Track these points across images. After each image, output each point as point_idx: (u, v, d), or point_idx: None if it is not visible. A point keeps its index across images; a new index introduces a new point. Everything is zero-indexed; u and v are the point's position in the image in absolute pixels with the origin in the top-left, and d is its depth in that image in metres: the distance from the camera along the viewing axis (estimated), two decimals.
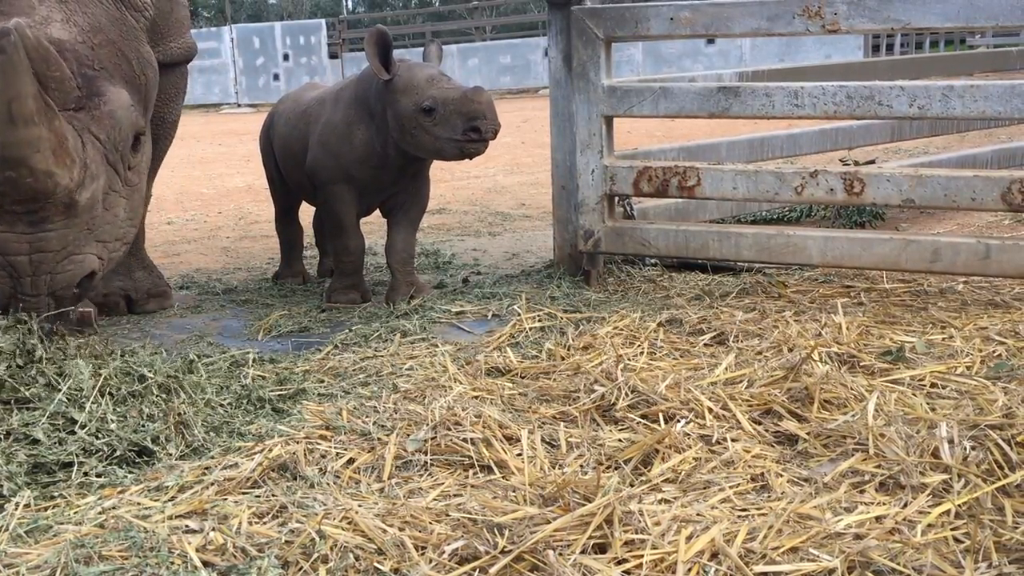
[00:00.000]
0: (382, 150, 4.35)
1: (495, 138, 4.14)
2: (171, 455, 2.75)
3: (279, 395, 3.25)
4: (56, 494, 2.55)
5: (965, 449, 2.46)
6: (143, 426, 2.83)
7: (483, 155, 4.27)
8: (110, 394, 2.94)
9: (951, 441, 2.50)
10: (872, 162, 5.81)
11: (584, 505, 2.26)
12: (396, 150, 4.32)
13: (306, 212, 5.26)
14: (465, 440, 2.70)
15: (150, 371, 3.10)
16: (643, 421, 2.87)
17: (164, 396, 3.01)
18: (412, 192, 4.62)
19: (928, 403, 2.87)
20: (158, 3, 3.79)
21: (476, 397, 3.09)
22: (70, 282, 3.15)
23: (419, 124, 4.13)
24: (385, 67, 4.21)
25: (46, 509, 2.47)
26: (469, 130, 4.04)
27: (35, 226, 3.00)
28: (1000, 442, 2.46)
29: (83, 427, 2.77)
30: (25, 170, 2.87)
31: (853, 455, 2.56)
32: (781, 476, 2.49)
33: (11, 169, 2.86)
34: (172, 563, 2.10)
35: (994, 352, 3.32)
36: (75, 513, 2.41)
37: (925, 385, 3.05)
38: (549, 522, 2.21)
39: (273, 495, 2.44)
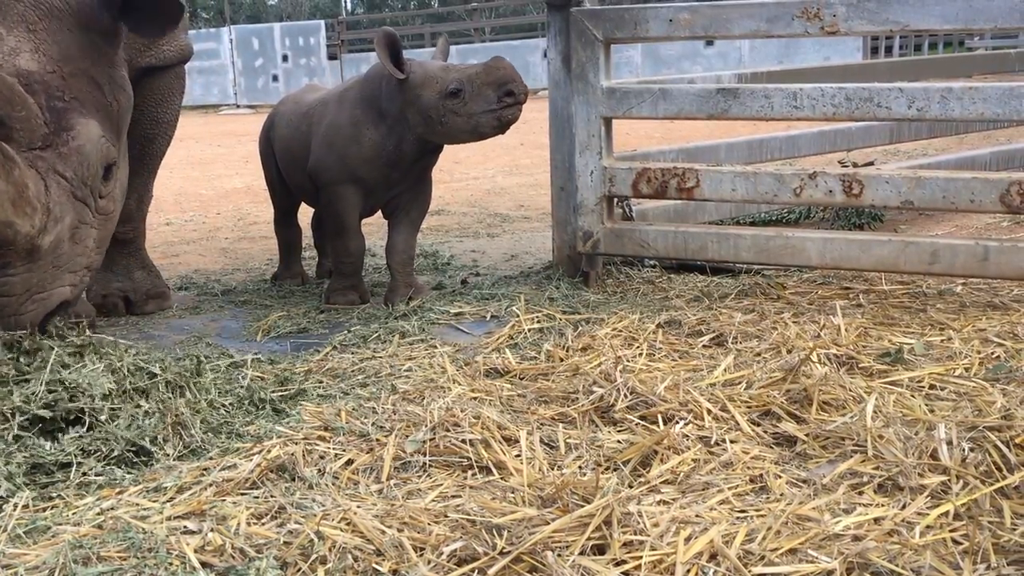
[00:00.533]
0: (395, 149, 4.37)
1: (527, 100, 4.22)
2: (169, 456, 2.75)
3: (281, 396, 3.25)
4: (55, 494, 2.55)
5: (963, 451, 2.46)
6: (140, 427, 2.83)
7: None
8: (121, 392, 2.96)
9: (950, 443, 2.50)
10: (871, 164, 5.81)
11: (583, 506, 2.26)
12: (413, 147, 4.35)
13: (304, 213, 5.25)
14: (464, 441, 2.70)
15: (160, 368, 3.11)
16: (642, 422, 2.87)
17: (168, 395, 3.01)
18: (415, 193, 4.63)
19: (927, 405, 2.87)
20: None
21: (475, 398, 3.09)
22: (35, 320, 3.13)
23: (448, 109, 4.17)
24: (398, 67, 4.25)
25: (44, 510, 2.47)
26: (503, 95, 4.10)
27: None
28: (998, 444, 2.46)
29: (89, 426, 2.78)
30: None
31: (852, 456, 2.56)
32: (780, 477, 2.50)
33: None
34: (170, 564, 2.10)
35: (993, 354, 3.32)
36: (73, 514, 2.41)
37: (924, 387, 3.06)
38: (548, 523, 2.21)
39: (272, 496, 2.44)
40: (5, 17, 3.13)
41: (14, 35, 3.13)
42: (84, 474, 2.63)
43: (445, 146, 4.55)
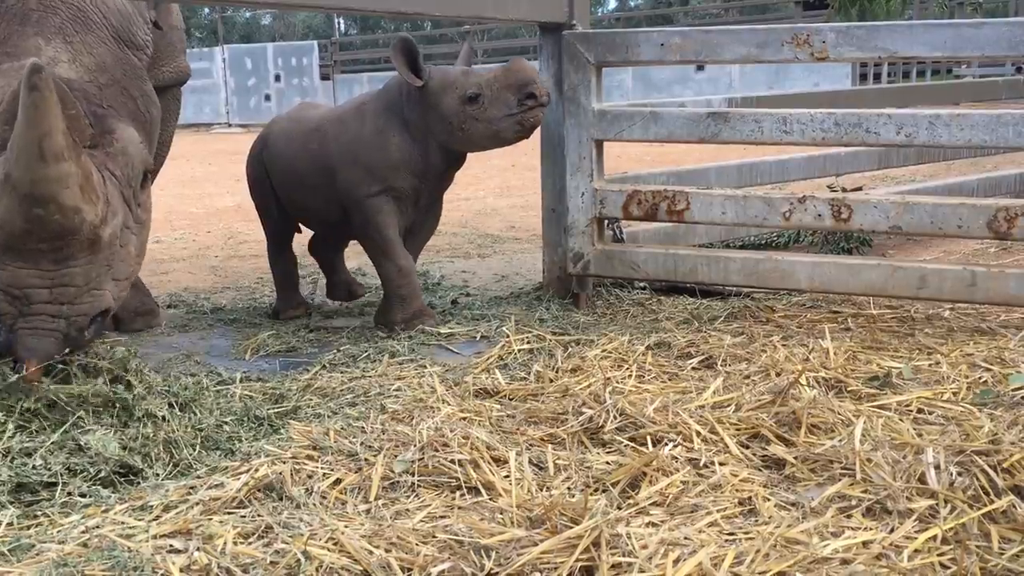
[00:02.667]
0: (422, 158, 4.28)
1: (550, 101, 4.14)
2: (158, 475, 2.73)
3: (277, 413, 3.24)
4: (39, 513, 2.52)
5: (951, 475, 2.47)
6: (131, 447, 2.81)
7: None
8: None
9: (937, 467, 2.50)
10: (859, 189, 5.85)
11: (571, 528, 2.25)
12: (440, 156, 4.28)
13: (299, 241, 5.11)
14: (452, 461, 2.69)
15: (174, 388, 3.13)
16: (631, 444, 2.87)
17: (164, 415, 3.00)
18: (428, 214, 4.57)
19: (915, 429, 2.88)
20: (156, 35, 3.80)
21: (464, 418, 3.08)
22: (88, 312, 3.08)
23: (468, 116, 4.11)
24: (415, 74, 4.18)
25: (29, 528, 2.44)
26: (524, 98, 4.03)
27: (59, 263, 2.94)
28: (986, 468, 2.47)
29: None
30: (54, 207, 2.82)
31: (840, 480, 2.56)
32: (768, 500, 2.49)
33: (39, 207, 2.81)
34: None
35: (980, 379, 3.34)
36: (58, 532, 2.39)
37: (912, 411, 3.06)
38: (536, 544, 2.20)
39: (259, 515, 2.43)
40: (43, 28, 3.16)
41: (52, 45, 3.17)
42: (69, 493, 2.61)
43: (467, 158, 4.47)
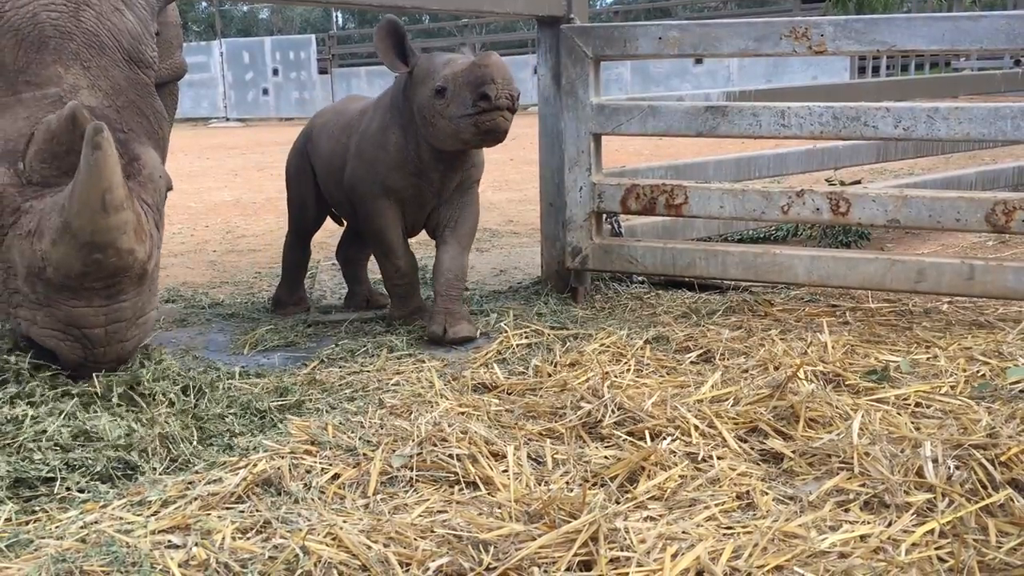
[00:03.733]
0: (416, 155, 4.07)
1: (513, 106, 3.72)
2: (155, 469, 2.73)
3: (276, 407, 3.24)
4: (37, 508, 2.52)
5: (949, 469, 2.47)
6: (125, 439, 2.81)
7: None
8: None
9: (935, 461, 2.51)
10: (858, 182, 5.86)
11: (569, 522, 2.26)
12: (429, 153, 4.05)
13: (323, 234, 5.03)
14: (451, 456, 2.70)
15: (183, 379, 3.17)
16: (629, 438, 2.87)
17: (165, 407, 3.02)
18: (460, 207, 4.27)
19: (912, 422, 2.88)
20: (158, 42, 3.80)
21: (462, 413, 3.09)
22: (138, 345, 3.23)
23: (435, 110, 3.84)
24: (403, 60, 3.95)
25: (27, 523, 2.44)
26: (479, 99, 3.67)
27: (111, 299, 3.05)
28: (984, 462, 2.47)
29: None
30: (112, 251, 2.93)
31: (838, 474, 2.56)
32: (766, 494, 2.50)
33: (99, 252, 2.92)
34: None
35: (978, 372, 3.34)
36: (56, 527, 2.39)
37: (910, 404, 3.07)
38: (534, 539, 2.20)
39: (257, 510, 2.43)
40: (61, 55, 3.18)
41: (72, 72, 3.20)
42: (68, 489, 2.61)
43: (476, 158, 4.25)
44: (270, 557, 2.18)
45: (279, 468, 2.63)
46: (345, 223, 4.92)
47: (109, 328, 3.07)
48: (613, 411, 2.99)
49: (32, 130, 3.04)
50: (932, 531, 2.25)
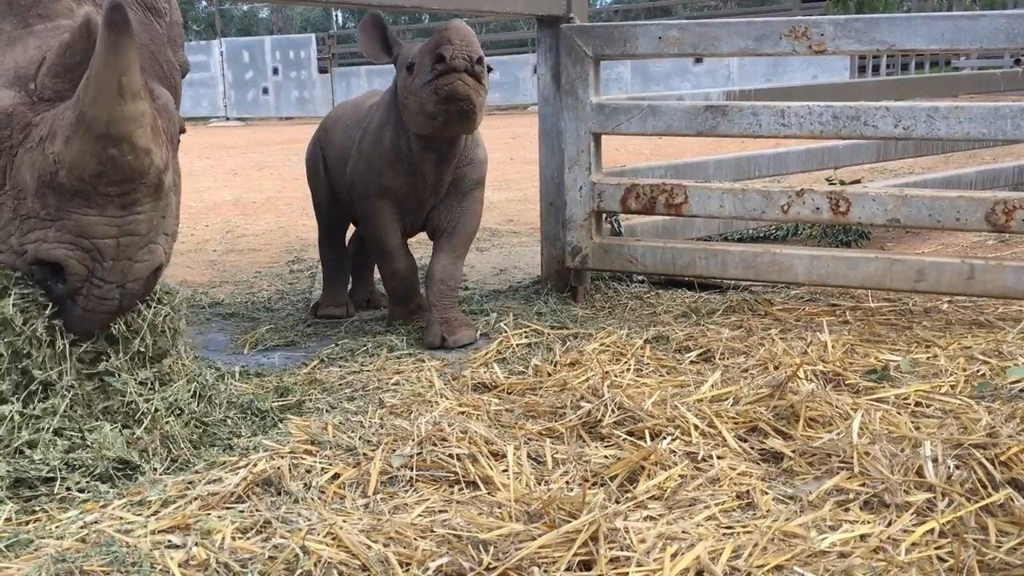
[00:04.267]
0: (407, 150, 3.99)
1: (471, 69, 3.56)
2: (156, 469, 2.73)
3: (277, 407, 3.25)
4: (37, 508, 2.52)
5: (949, 468, 2.47)
6: (125, 440, 2.81)
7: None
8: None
9: (935, 460, 2.51)
10: (858, 182, 5.86)
11: (569, 522, 2.26)
12: (418, 145, 3.94)
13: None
14: (451, 456, 2.70)
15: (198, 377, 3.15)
16: (629, 438, 2.87)
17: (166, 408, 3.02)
18: (458, 212, 4.19)
19: (912, 422, 2.88)
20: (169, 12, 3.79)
21: (462, 413, 3.09)
22: (144, 273, 3.11)
23: (406, 88, 3.79)
24: (387, 52, 3.94)
25: (27, 523, 2.44)
26: (435, 62, 3.57)
27: (126, 209, 2.95)
28: (984, 461, 2.47)
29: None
30: (128, 146, 2.82)
31: (838, 473, 2.56)
32: (766, 494, 2.50)
33: (114, 146, 2.81)
34: None
35: (978, 371, 3.34)
36: (56, 527, 2.39)
37: (909, 404, 3.07)
38: (534, 539, 2.20)
39: (257, 510, 2.43)
40: None
41: (83, 7, 3.14)
42: (68, 488, 2.61)
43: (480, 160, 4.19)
44: (270, 557, 2.18)
45: (279, 468, 2.63)
46: None
47: (121, 241, 2.96)
48: (613, 411, 2.99)
49: (44, 56, 2.97)
50: (932, 531, 2.25)
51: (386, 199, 4.11)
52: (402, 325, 4.30)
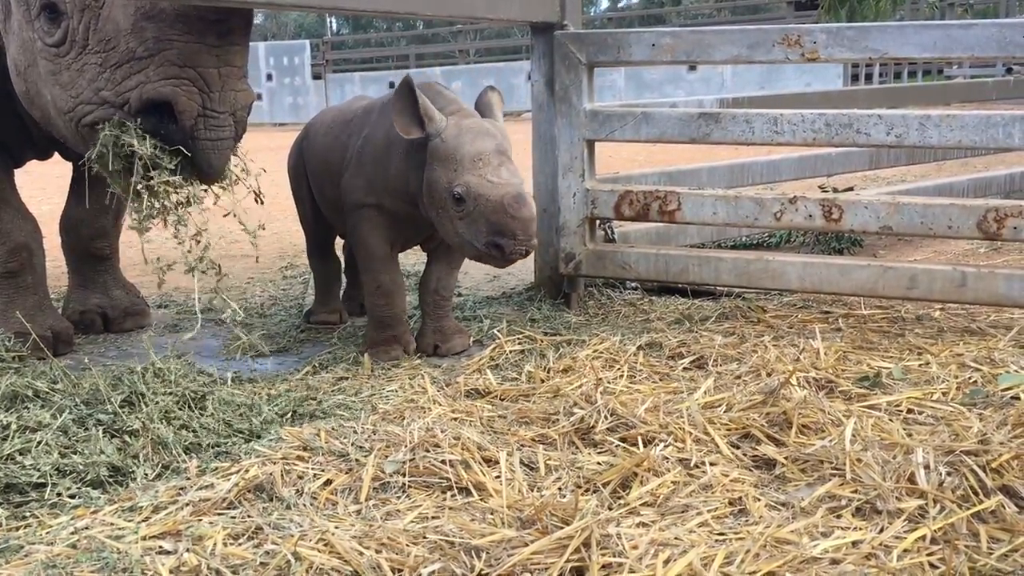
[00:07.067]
0: (416, 192, 3.73)
1: (526, 257, 3.51)
2: (147, 475, 2.72)
3: (271, 412, 3.24)
4: (28, 514, 2.51)
5: (941, 475, 2.48)
6: (114, 447, 2.80)
7: None
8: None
9: (927, 467, 2.51)
10: (851, 189, 5.87)
11: (562, 528, 2.25)
12: (429, 197, 3.69)
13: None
14: (443, 462, 2.69)
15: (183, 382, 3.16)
16: (622, 444, 2.87)
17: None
18: None
19: (904, 429, 2.89)
20: None
21: (455, 419, 3.08)
22: (247, 102, 3.17)
23: (446, 207, 3.53)
24: (419, 124, 3.57)
25: (17, 529, 2.43)
26: (491, 244, 3.44)
27: (223, 38, 2.99)
28: (975, 468, 2.48)
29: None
30: None
31: (830, 480, 2.57)
32: (759, 500, 2.50)
33: None
34: None
35: (970, 379, 3.35)
36: (47, 533, 2.38)
37: (902, 411, 3.07)
38: (527, 545, 2.20)
39: (249, 516, 2.42)
40: None
41: None
42: (59, 494, 2.60)
43: None
44: (261, 563, 2.17)
45: (271, 474, 2.63)
46: None
47: (222, 71, 3.00)
48: (606, 417, 2.99)
49: None
50: (924, 537, 2.26)
51: (381, 213, 3.92)
52: (372, 357, 3.86)
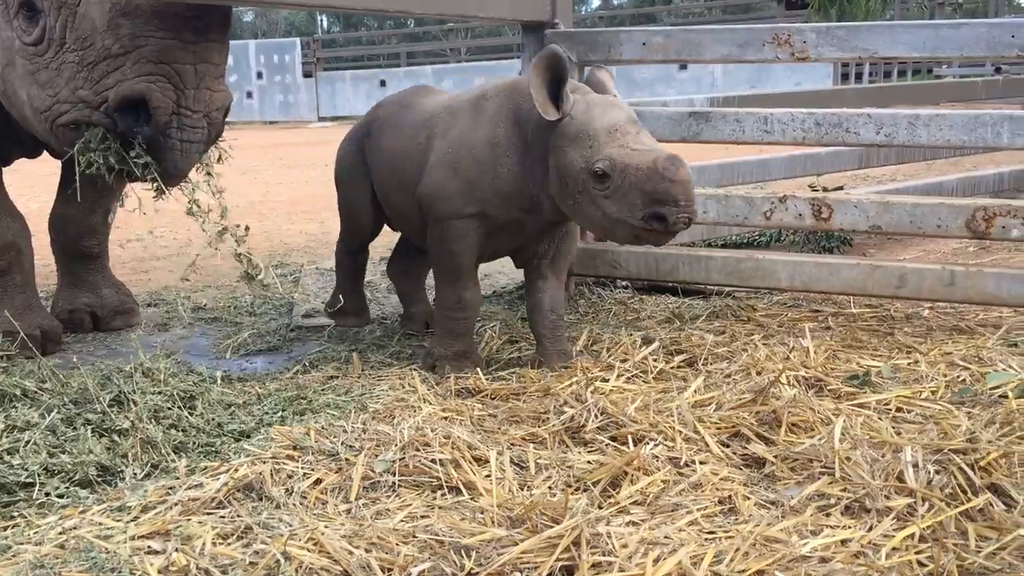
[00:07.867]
0: (535, 196, 3.41)
1: (688, 227, 3.15)
2: (136, 475, 2.72)
3: (260, 411, 3.23)
4: (16, 513, 2.50)
5: (929, 473, 2.49)
6: (104, 446, 2.80)
7: None
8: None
9: (916, 465, 2.52)
10: (840, 188, 5.89)
11: (552, 527, 2.26)
12: (551, 205, 3.40)
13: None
14: (433, 461, 2.69)
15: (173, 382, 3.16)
16: (612, 443, 2.87)
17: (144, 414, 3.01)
18: (560, 237, 3.67)
19: (893, 427, 2.90)
20: None
21: (445, 418, 3.08)
22: (223, 103, 3.14)
23: (586, 189, 3.17)
24: (555, 103, 3.24)
25: (5, 529, 2.42)
26: (651, 216, 3.07)
27: (199, 35, 2.97)
28: (964, 466, 2.49)
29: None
30: None
31: (819, 478, 2.57)
32: (748, 499, 2.50)
33: None
34: None
35: (958, 377, 3.36)
36: (35, 533, 2.37)
37: (891, 409, 3.08)
38: (516, 544, 2.20)
39: (238, 516, 2.42)
40: None
41: None
42: (47, 494, 2.59)
43: None
44: (251, 563, 2.17)
45: (260, 473, 2.62)
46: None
47: (199, 68, 2.97)
48: (596, 416, 2.99)
49: None
50: (912, 535, 2.26)
51: (482, 223, 3.52)
52: (440, 371, 3.62)
